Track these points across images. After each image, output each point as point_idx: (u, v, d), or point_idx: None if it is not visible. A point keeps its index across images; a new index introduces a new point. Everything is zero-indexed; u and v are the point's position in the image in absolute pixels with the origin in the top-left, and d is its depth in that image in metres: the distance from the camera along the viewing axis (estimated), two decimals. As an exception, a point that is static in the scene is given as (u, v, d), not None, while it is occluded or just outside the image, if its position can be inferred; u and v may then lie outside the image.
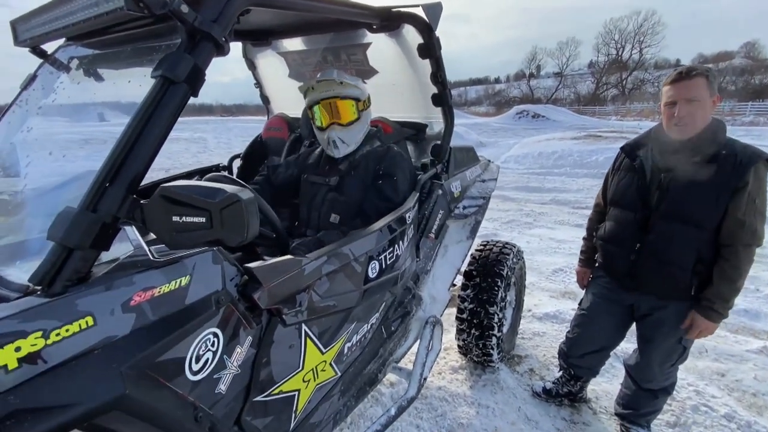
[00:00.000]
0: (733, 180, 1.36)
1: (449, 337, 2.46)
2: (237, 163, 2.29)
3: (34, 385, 0.63)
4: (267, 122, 2.31)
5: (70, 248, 0.71)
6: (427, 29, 1.53)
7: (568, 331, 1.96)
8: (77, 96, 1.31)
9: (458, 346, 2.32)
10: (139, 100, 0.83)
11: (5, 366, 0.61)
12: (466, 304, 2.15)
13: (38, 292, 0.70)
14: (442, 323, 1.76)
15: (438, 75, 1.64)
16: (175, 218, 0.74)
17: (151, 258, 0.81)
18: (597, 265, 1.83)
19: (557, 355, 2.07)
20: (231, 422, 0.96)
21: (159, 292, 0.77)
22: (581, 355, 1.90)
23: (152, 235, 0.89)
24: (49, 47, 1.42)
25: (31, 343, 0.63)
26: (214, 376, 0.88)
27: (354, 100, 1.52)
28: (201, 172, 2.02)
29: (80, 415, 0.64)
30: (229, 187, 0.74)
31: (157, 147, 0.81)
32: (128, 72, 1.18)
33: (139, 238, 0.87)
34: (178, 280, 0.80)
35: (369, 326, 1.41)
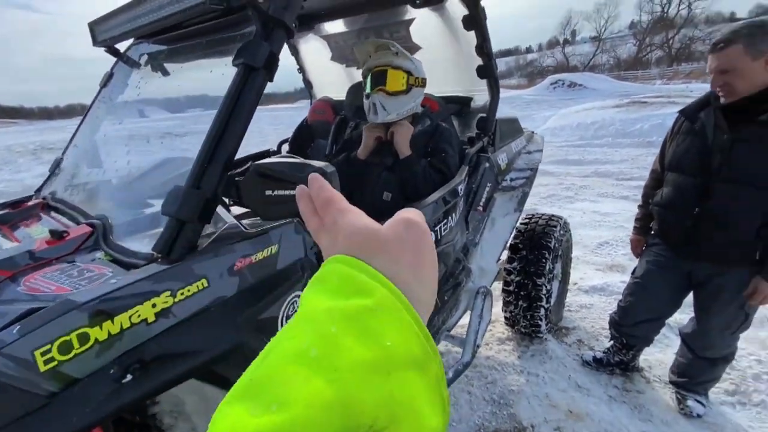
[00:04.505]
0: None
1: (495, 311, 2.51)
2: (285, 148, 2.39)
3: (169, 334, 0.75)
4: (312, 106, 2.38)
5: (182, 221, 0.82)
6: (473, 0, 1.53)
7: (621, 300, 1.96)
8: (154, 90, 1.43)
9: (505, 318, 2.37)
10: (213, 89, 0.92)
11: (146, 319, 0.74)
12: (512, 276, 2.18)
13: (160, 260, 0.82)
14: (492, 293, 1.81)
15: (484, 46, 1.64)
16: (268, 192, 0.83)
17: (244, 230, 0.91)
18: (652, 232, 1.81)
19: (608, 325, 2.07)
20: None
21: (256, 258, 0.87)
22: (635, 323, 1.90)
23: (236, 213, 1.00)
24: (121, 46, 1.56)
25: (163, 301, 0.75)
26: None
27: (406, 72, 1.54)
28: (254, 158, 2.14)
29: (206, 361, 0.76)
30: (315, 162, 0.82)
31: (244, 128, 0.90)
32: (202, 63, 1.28)
33: (229, 214, 0.98)
34: (269, 248, 0.90)
35: (426, 294, 1.48)
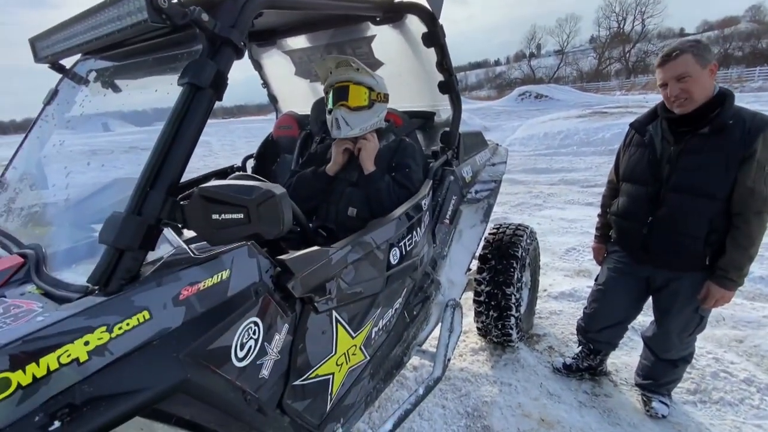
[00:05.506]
0: (742, 149, 1.37)
1: (468, 321, 2.51)
2: (250, 163, 2.34)
3: (104, 374, 0.69)
4: (277, 121, 2.35)
5: (121, 250, 0.76)
6: (430, 18, 1.55)
7: (586, 307, 1.99)
8: (100, 107, 1.37)
9: (477, 328, 2.38)
10: (160, 106, 0.88)
11: (77, 359, 0.68)
12: (482, 287, 2.19)
13: (96, 292, 0.76)
14: (461, 305, 1.81)
15: (444, 62, 1.67)
16: (215, 216, 0.79)
17: (192, 255, 0.86)
18: (612, 240, 1.86)
19: (576, 331, 2.11)
20: (274, 405, 1.03)
21: (204, 285, 0.83)
22: (600, 329, 1.94)
23: (188, 237, 0.95)
24: (67, 62, 1.48)
25: (98, 337, 0.70)
26: (257, 362, 0.95)
27: (367, 88, 1.53)
28: (217, 175, 2.08)
29: (149, 399, 0.70)
30: (262, 184, 0.79)
31: (190, 150, 0.86)
32: (149, 81, 1.23)
33: (178, 238, 0.93)
34: (220, 274, 0.86)
35: (393, 311, 1.46)
